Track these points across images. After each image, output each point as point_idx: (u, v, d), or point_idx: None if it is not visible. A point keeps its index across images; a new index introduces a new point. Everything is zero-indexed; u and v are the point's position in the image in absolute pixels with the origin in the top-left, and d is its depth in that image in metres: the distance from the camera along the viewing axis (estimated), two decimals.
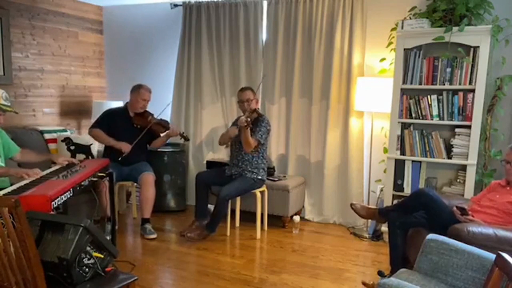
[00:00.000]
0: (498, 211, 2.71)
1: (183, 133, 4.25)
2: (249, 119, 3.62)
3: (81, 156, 4.24)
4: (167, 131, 4.14)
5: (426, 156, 3.64)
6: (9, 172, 2.80)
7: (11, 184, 2.65)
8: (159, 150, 4.48)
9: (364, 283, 2.92)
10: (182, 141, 4.37)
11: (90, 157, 4.27)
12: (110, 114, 4.08)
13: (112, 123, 4.01)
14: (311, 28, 4.22)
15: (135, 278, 2.10)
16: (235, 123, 4.08)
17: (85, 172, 2.77)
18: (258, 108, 3.96)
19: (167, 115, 4.72)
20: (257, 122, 3.83)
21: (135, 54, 5.21)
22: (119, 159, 3.88)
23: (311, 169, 4.40)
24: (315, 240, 3.91)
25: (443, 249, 2.16)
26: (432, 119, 3.58)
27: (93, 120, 4.67)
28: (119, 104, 4.64)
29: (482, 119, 3.46)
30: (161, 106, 4.26)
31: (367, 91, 3.90)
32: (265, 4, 4.42)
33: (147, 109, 4.10)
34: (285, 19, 4.33)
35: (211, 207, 3.95)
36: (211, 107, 4.77)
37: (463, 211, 2.68)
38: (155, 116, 4.10)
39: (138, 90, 4.03)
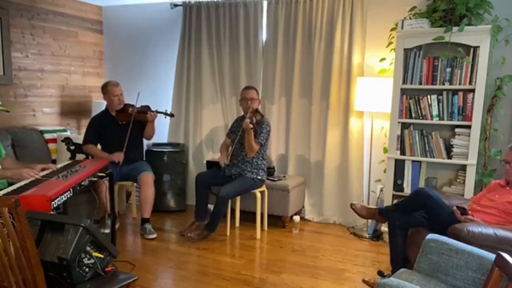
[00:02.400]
0: (498, 211, 2.71)
1: (166, 110, 4.14)
2: (254, 120, 3.63)
3: (81, 156, 4.24)
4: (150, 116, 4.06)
5: (426, 156, 3.64)
6: (5, 174, 2.74)
7: (10, 185, 2.64)
8: (158, 150, 4.48)
9: (364, 281, 2.92)
10: (168, 118, 4.28)
11: (90, 157, 4.26)
12: (95, 122, 4.07)
13: (100, 129, 4.00)
14: (311, 28, 4.22)
15: (135, 278, 2.10)
16: (232, 130, 4.07)
17: (85, 172, 2.77)
18: (259, 109, 3.96)
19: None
20: (258, 124, 3.83)
21: (135, 54, 5.21)
22: (117, 169, 3.87)
23: (311, 169, 4.40)
24: (315, 240, 3.91)
25: (443, 249, 2.16)
26: (432, 119, 3.58)
27: None
28: None
29: (482, 119, 3.46)
30: (163, 106, 4.22)
31: (367, 91, 3.90)
32: (265, 4, 4.42)
33: (126, 102, 4.06)
34: (285, 19, 4.33)
35: (211, 207, 3.95)
36: (211, 107, 4.77)
37: (463, 211, 2.68)
38: (136, 105, 4.01)
39: (106, 89, 4.00)
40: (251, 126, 3.59)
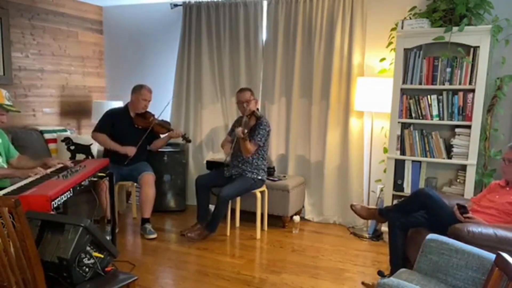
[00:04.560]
0: (498, 211, 2.71)
1: (185, 134, 4.24)
2: (246, 131, 3.62)
3: (81, 156, 4.24)
4: (169, 132, 4.14)
5: (426, 156, 3.64)
6: (14, 174, 2.78)
7: (11, 184, 2.65)
8: (159, 150, 4.48)
9: (364, 284, 2.92)
10: (184, 142, 4.36)
11: (90, 157, 4.27)
12: (111, 115, 4.08)
13: (114, 123, 4.01)
14: (311, 28, 4.22)
15: (135, 278, 2.10)
16: (233, 129, 4.06)
17: (85, 172, 2.77)
18: (257, 109, 3.95)
19: (167, 115, 4.72)
20: (255, 126, 3.82)
21: (135, 54, 5.21)
22: (125, 163, 3.90)
23: (311, 169, 4.40)
24: (315, 240, 3.91)
25: (443, 249, 2.16)
26: (432, 119, 3.58)
27: (93, 120, 4.67)
28: (119, 104, 4.63)
29: (482, 119, 3.46)
30: (161, 106, 4.26)
31: (367, 91, 3.90)
32: (265, 4, 4.42)
33: (148, 110, 4.10)
34: (285, 19, 4.33)
35: (211, 207, 3.95)
36: (211, 107, 4.77)
37: (463, 210, 2.68)
38: (156, 116, 4.10)
39: (139, 90, 4.03)
40: (242, 135, 3.59)
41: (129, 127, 4.02)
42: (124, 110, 4.12)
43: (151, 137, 4.14)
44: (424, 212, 2.89)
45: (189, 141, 4.28)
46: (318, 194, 4.40)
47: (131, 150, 3.92)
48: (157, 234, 3.86)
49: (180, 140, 4.31)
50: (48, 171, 2.76)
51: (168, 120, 4.72)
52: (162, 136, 4.22)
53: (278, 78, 4.42)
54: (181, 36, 4.77)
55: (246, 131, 3.63)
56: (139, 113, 4.06)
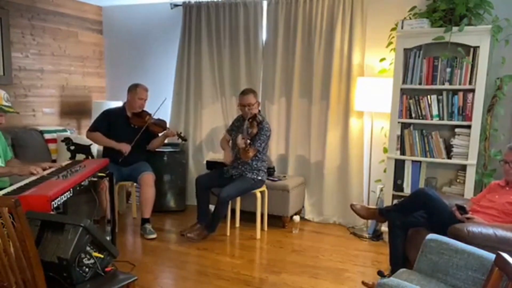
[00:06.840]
0: (498, 211, 2.71)
1: (181, 133, 4.23)
2: (248, 142, 3.60)
3: (81, 156, 4.24)
4: (165, 131, 4.13)
5: (426, 156, 3.64)
6: (12, 171, 2.77)
7: (11, 184, 2.65)
8: (158, 150, 4.49)
9: (364, 283, 2.92)
10: (180, 141, 4.36)
11: (90, 157, 4.27)
12: (108, 115, 4.08)
13: (110, 123, 4.01)
14: (311, 28, 4.22)
15: (135, 278, 2.10)
16: (233, 128, 4.06)
17: (85, 172, 2.76)
18: (259, 111, 3.94)
19: (167, 115, 4.72)
20: (257, 131, 3.80)
21: (135, 54, 5.21)
22: (120, 160, 3.89)
23: (311, 169, 4.40)
24: (315, 240, 3.91)
25: (443, 249, 2.16)
26: (432, 119, 3.58)
27: (93, 120, 4.67)
28: (118, 104, 4.63)
29: (482, 119, 3.46)
30: (163, 107, 4.25)
31: (367, 91, 3.90)
32: (265, 4, 4.42)
33: (145, 109, 4.10)
34: (285, 19, 4.33)
35: (211, 207, 3.95)
36: (211, 107, 4.77)
37: (462, 210, 2.68)
38: (153, 115, 4.10)
39: (135, 89, 4.03)
40: (244, 146, 3.59)
41: (125, 126, 4.02)
42: (121, 110, 4.12)
43: (148, 137, 4.13)
44: (424, 212, 2.89)
45: (185, 139, 4.27)
46: (318, 194, 4.40)
47: (125, 147, 3.92)
48: (157, 234, 3.86)
49: (176, 139, 4.30)
50: (45, 172, 2.74)
51: (168, 120, 4.73)
52: (159, 135, 4.21)
53: (278, 78, 4.42)
54: (181, 36, 4.77)
55: (248, 141, 3.62)
56: (136, 112, 4.06)
